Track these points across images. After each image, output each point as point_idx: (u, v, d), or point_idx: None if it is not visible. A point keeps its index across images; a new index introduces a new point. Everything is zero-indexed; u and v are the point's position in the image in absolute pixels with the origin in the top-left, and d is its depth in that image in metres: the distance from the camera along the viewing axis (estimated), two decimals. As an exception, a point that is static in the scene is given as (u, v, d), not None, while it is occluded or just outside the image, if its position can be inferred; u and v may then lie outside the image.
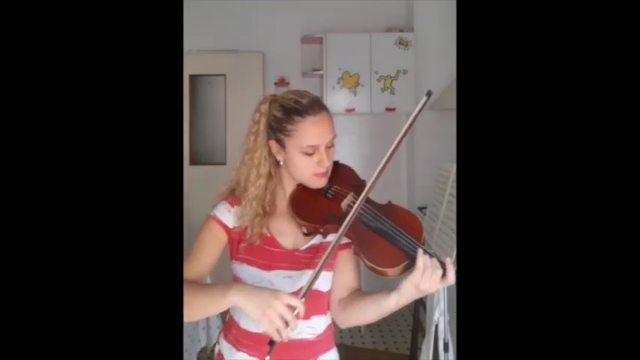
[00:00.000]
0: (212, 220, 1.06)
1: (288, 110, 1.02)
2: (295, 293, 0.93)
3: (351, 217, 0.93)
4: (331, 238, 1.01)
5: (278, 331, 0.85)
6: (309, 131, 1.01)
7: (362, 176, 1.12)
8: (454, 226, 1.85)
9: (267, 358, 0.86)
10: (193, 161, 3.78)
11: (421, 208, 3.18)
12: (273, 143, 1.05)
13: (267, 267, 1.05)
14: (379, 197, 1.02)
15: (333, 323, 1.15)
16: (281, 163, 1.06)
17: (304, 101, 1.03)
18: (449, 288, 1.94)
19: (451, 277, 0.86)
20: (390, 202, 1.08)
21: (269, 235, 1.07)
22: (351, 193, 1.06)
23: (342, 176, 1.11)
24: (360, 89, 3.65)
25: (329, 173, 1.07)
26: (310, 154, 1.02)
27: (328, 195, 1.08)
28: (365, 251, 0.95)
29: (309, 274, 0.98)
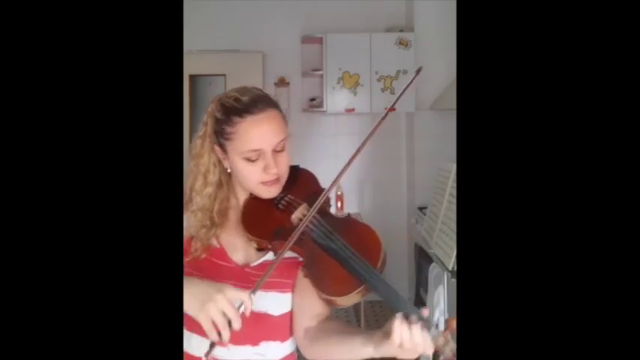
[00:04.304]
0: None
1: (227, 110, 0.90)
2: (251, 317, 0.80)
3: (297, 232, 0.82)
4: (291, 254, 0.91)
5: (216, 327, 0.74)
6: (249, 133, 0.87)
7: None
8: (454, 226, 1.85)
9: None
10: (193, 161, 3.79)
11: (421, 208, 3.18)
12: (217, 148, 0.94)
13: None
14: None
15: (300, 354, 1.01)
16: (228, 170, 0.95)
17: (245, 99, 0.89)
18: (449, 288, 1.95)
19: (448, 350, 0.72)
20: (349, 215, 0.97)
21: (219, 247, 0.96)
22: (304, 204, 0.91)
23: (299, 184, 0.97)
24: (360, 89, 3.65)
25: (282, 181, 0.94)
26: (254, 160, 0.89)
27: (280, 206, 0.94)
28: (312, 274, 0.84)
29: (257, 293, 0.89)
